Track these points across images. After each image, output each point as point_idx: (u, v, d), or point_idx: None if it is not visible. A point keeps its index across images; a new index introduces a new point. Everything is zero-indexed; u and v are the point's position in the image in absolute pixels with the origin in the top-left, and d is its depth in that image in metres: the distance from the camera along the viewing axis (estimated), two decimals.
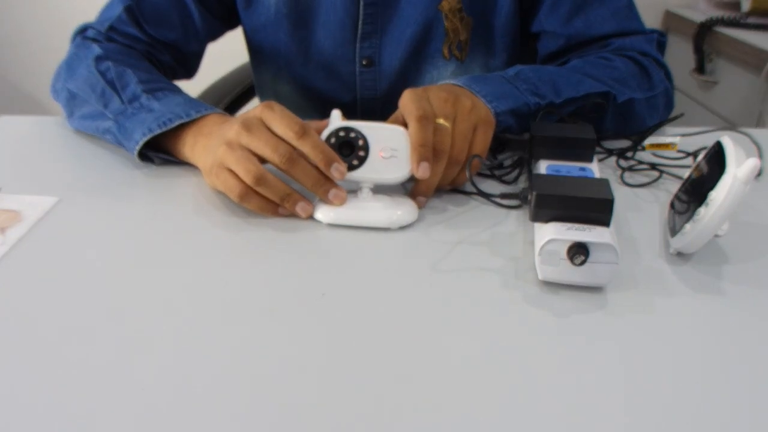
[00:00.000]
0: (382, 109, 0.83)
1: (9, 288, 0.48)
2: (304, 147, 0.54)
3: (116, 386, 0.38)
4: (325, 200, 0.55)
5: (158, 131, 0.62)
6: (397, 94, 0.57)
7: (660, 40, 0.77)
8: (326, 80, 0.83)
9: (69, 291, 0.47)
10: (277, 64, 0.84)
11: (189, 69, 0.84)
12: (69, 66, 0.73)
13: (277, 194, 0.55)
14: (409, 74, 0.81)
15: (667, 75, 0.75)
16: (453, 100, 0.57)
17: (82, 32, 0.77)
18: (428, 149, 0.54)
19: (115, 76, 0.67)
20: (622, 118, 0.70)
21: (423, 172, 0.54)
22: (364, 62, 0.80)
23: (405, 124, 0.56)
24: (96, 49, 0.71)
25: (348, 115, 0.57)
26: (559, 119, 0.66)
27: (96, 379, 0.39)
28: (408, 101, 0.55)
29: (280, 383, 0.39)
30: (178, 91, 0.68)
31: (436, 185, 0.57)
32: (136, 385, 0.39)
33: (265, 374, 0.39)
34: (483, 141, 0.58)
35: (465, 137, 0.57)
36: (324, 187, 0.55)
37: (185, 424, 0.36)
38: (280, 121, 0.54)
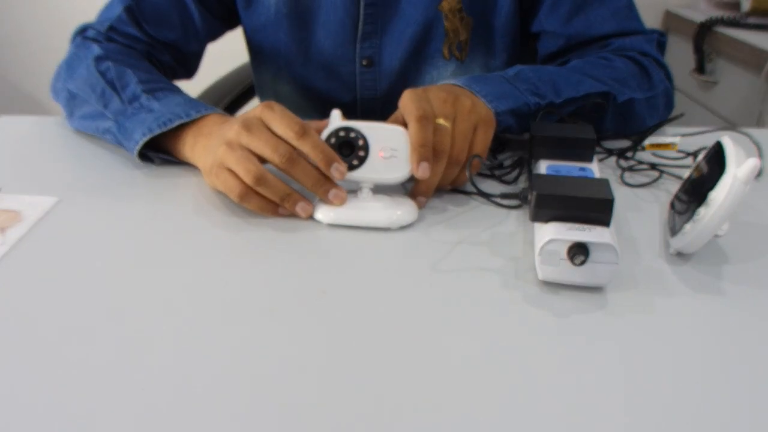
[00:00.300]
0: (382, 109, 0.83)
1: (9, 288, 0.48)
2: (304, 147, 0.54)
3: (116, 386, 0.38)
4: (325, 200, 0.55)
5: (158, 131, 0.62)
6: (397, 95, 0.57)
7: (660, 40, 0.77)
8: (326, 80, 0.83)
9: (69, 291, 0.47)
10: (277, 64, 0.84)
11: (189, 69, 0.84)
12: (69, 66, 0.73)
13: (277, 194, 0.55)
14: (409, 74, 0.81)
15: (667, 75, 0.75)
16: (453, 100, 0.57)
17: (81, 32, 0.77)
18: (428, 149, 0.54)
19: (115, 76, 0.67)
20: (622, 118, 0.70)
21: (423, 172, 0.54)
22: (364, 62, 0.80)
23: (405, 124, 0.56)
24: (96, 49, 0.71)
25: (348, 115, 0.57)
26: (559, 119, 0.66)
27: (96, 379, 0.39)
28: (408, 101, 0.55)
29: (280, 383, 0.39)
30: (178, 91, 0.68)
31: (436, 185, 0.57)
32: (136, 385, 0.39)
33: (265, 374, 0.39)
34: (483, 141, 0.58)
35: (465, 137, 0.57)
36: (324, 187, 0.55)
37: (185, 424, 0.36)
38: (280, 121, 0.54)
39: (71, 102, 0.71)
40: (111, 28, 0.75)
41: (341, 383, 0.39)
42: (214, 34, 0.84)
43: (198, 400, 0.37)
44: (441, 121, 0.55)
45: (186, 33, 0.79)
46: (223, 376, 0.39)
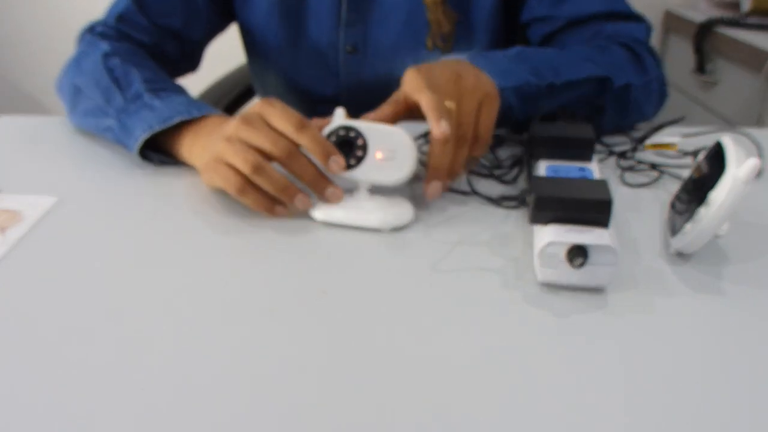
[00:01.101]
0: (367, 97, 0.83)
1: (9, 288, 0.48)
2: (303, 140, 0.54)
3: (116, 386, 0.38)
4: (322, 198, 0.55)
5: (158, 128, 0.62)
6: (381, 82, 0.57)
7: (647, 26, 0.78)
8: (314, 69, 0.84)
9: (69, 291, 0.47)
10: (268, 55, 0.85)
11: (193, 61, 0.86)
12: (77, 62, 0.74)
13: (275, 185, 0.54)
14: (394, 62, 0.81)
15: (657, 62, 0.76)
16: (456, 79, 0.57)
17: (90, 30, 0.78)
18: (441, 110, 0.53)
19: (121, 74, 0.68)
20: (621, 106, 0.70)
21: (444, 128, 0.53)
22: (348, 49, 0.81)
23: (406, 106, 0.55)
24: (105, 46, 0.72)
25: (333, 104, 0.57)
26: (559, 112, 0.66)
27: (96, 379, 0.39)
28: (411, 78, 0.55)
29: (280, 383, 0.39)
30: (181, 91, 0.69)
31: (448, 168, 0.56)
32: (136, 385, 0.39)
33: (265, 374, 0.39)
34: (488, 117, 0.58)
35: (471, 116, 0.56)
36: (321, 185, 0.55)
37: (185, 424, 0.36)
38: (280, 115, 0.54)
39: (75, 96, 0.72)
40: (120, 18, 0.77)
41: (341, 383, 0.39)
42: (217, 24, 0.85)
43: (198, 400, 0.37)
44: (446, 102, 0.55)
45: (189, 19, 0.80)
46: (223, 376, 0.39)
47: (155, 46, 0.79)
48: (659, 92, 0.75)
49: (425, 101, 0.54)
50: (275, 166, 0.55)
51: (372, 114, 0.58)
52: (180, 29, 0.80)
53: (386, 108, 0.59)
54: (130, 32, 0.77)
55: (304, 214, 0.57)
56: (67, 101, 0.74)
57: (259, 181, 0.54)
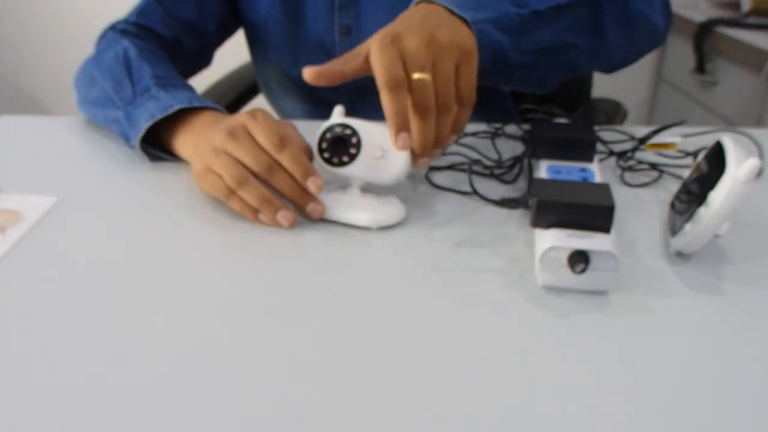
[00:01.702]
0: (364, 79, 0.82)
1: (9, 288, 0.48)
2: (283, 159, 0.55)
3: (116, 386, 0.38)
4: (303, 213, 0.56)
5: (159, 116, 0.64)
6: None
7: None
8: (313, 56, 0.84)
9: (69, 291, 0.47)
10: (272, 48, 0.86)
11: (207, 55, 0.88)
12: (97, 57, 0.76)
13: (257, 198, 0.55)
14: None
15: None
16: (427, 42, 0.52)
17: (111, 28, 0.80)
18: (402, 117, 0.51)
19: (135, 69, 0.70)
20: (624, 21, 0.66)
21: (402, 143, 0.52)
22: (342, 31, 0.81)
23: (367, 65, 0.52)
24: (125, 42, 0.74)
25: (332, 90, 0.57)
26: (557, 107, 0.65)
27: (96, 379, 0.39)
28: (375, 60, 0.51)
29: (280, 383, 0.39)
30: (189, 88, 0.71)
31: (432, 143, 0.54)
32: (136, 385, 0.39)
33: (265, 374, 0.39)
34: (469, 76, 0.55)
35: (449, 81, 0.53)
36: (303, 200, 0.55)
37: (185, 424, 0.36)
38: (262, 131, 0.56)
39: (89, 86, 0.74)
40: (140, 12, 0.80)
41: (341, 383, 0.39)
42: (227, 18, 0.86)
43: (198, 400, 0.37)
44: (418, 75, 0.51)
45: (203, 11, 0.82)
46: (223, 376, 0.39)
47: (176, 40, 0.81)
48: (663, 2, 0.72)
49: (383, 104, 0.50)
50: None
51: (327, 65, 0.54)
52: (195, 21, 0.82)
53: (339, 63, 0.55)
54: (150, 25, 0.80)
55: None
56: (80, 91, 0.76)
57: (242, 194, 0.55)
